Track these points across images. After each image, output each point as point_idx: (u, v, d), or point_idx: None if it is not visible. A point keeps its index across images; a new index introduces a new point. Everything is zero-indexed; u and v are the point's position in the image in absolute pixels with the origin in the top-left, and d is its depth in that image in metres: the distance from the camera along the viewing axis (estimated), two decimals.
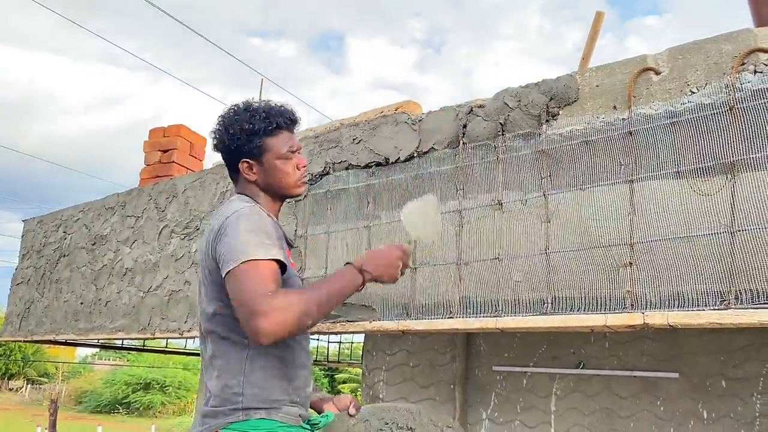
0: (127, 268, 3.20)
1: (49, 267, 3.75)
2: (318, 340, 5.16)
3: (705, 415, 2.63)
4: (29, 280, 3.93)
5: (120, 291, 3.18)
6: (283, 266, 1.45)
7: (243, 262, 1.41)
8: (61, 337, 3.50)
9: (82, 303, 3.40)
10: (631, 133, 1.72)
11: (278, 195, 1.69)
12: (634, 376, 2.84)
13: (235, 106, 1.69)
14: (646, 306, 1.58)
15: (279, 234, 1.55)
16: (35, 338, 3.74)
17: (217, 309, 1.51)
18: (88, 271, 3.44)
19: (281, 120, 1.68)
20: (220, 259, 1.46)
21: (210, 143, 1.70)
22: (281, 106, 1.70)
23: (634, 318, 1.55)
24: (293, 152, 1.67)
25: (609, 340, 2.96)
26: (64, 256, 3.67)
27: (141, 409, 25.15)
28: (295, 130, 1.70)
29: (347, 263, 1.56)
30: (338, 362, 6.81)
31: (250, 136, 1.65)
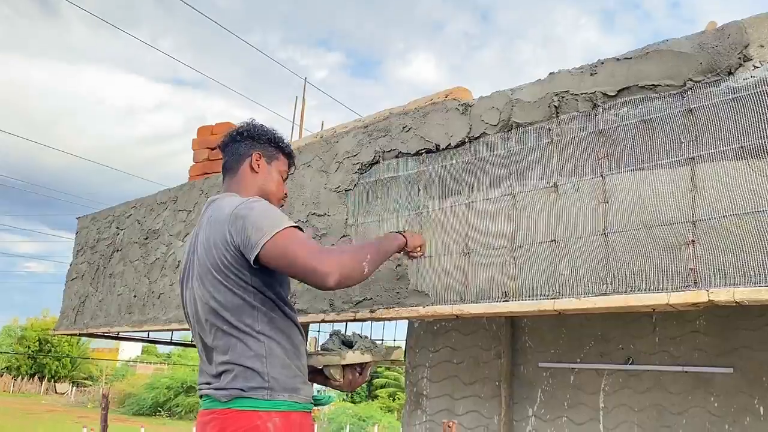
0: (179, 261, 3.27)
1: (103, 262, 3.86)
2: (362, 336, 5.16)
3: (762, 411, 2.57)
4: (83, 275, 4.05)
5: (173, 283, 3.25)
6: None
7: (278, 231, 1.66)
8: (115, 329, 3.59)
9: (135, 296, 3.49)
10: (690, 111, 1.69)
11: (265, 200, 1.89)
12: (686, 372, 2.79)
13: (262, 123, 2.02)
14: (711, 284, 1.55)
15: None
16: (89, 331, 3.85)
17: (229, 297, 1.70)
18: (141, 265, 3.53)
19: (290, 151, 2.05)
20: (248, 241, 1.66)
21: (232, 131, 1.98)
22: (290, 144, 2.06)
23: (699, 296, 1.52)
24: (285, 179, 2.03)
25: (659, 335, 2.91)
26: (117, 251, 3.77)
27: (182, 412, 25.56)
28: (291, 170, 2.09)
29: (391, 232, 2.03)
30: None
31: (272, 141, 1.98)
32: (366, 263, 1.74)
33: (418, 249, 2.13)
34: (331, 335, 2.06)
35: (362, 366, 1.97)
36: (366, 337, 2.05)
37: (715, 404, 2.68)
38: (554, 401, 3.16)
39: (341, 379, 1.92)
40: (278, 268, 1.68)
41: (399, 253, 2.06)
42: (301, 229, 1.73)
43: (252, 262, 1.68)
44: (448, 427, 1.52)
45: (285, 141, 2.02)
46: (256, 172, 1.93)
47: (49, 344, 35.72)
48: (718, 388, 2.66)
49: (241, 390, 1.66)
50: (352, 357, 1.91)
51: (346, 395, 30.34)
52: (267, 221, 1.68)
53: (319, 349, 2.04)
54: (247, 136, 1.95)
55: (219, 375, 1.73)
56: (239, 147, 1.95)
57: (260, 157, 1.93)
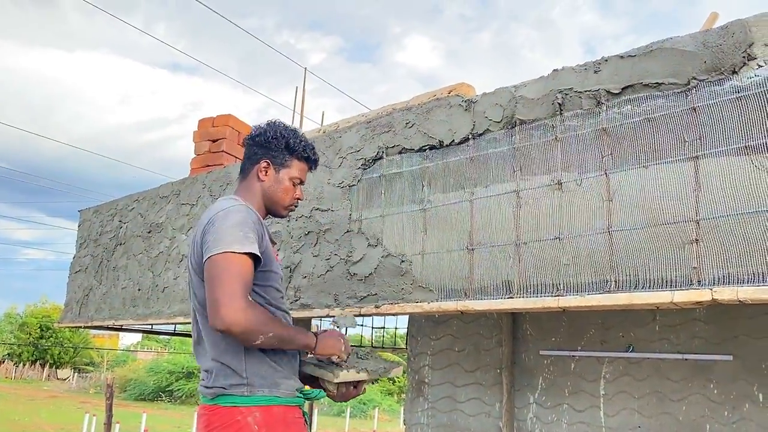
0: (183, 255, 3.28)
1: (106, 255, 3.87)
2: (362, 325, 5.22)
3: (761, 398, 2.60)
4: (87, 268, 4.06)
5: (177, 277, 3.26)
6: (257, 259, 1.71)
7: (222, 252, 1.66)
8: (120, 323, 3.62)
9: (139, 289, 3.51)
10: (695, 109, 1.70)
11: (269, 207, 1.98)
12: (686, 359, 2.82)
13: (287, 125, 2.01)
14: (714, 283, 1.57)
15: (261, 231, 1.79)
16: (95, 324, 3.87)
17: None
18: (144, 259, 3.54)
19: (311, 155, 2.02)
20: (204, 247, 1.71)
21: (252, 132, 1.99)
22: (314, 146, 2.04)
23: (702, 294, 1.54)
24: (300, 184, 2.01)
25: (659, 323, 2.94)
26: (121, 244, 3.78)
27: (183, 397, 25.77)
28: (311, 171, 2.05)
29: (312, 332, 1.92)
30: (379, 347, 6.87)
31: (285, 147, 1.96)
32: (264, 337, 1.67)
33: (333, 356, 1.91)
34: None
35: (357, 381, 1.99)
36: (369, 352, 2.04)
37: (715, 391, 2.71)
38: (555, 388, 3.19)
39: (335, 391, 1.96)
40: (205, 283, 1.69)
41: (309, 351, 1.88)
42: (258, 259, 1.70)
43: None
44: None
45: (302, 145, 1.97)
46: (262, 180, 1.96)
47: (50, 331, 35.86)
48: (718, 375, 2.69)
49: (223, 388, 1.74)
50: (345, 376, 1.92)
51: None
52: (225, 237, 1.67)
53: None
54: (259, 142, 1.97)
55: (206, 371, 1.80)
56: (251, 152, 1.98)
57: (268, 165, 1.96)
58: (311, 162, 2.03)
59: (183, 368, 26.63)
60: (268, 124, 2.00)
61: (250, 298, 1.69)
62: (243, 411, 1.70)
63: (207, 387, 1.77)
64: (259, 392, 1.73)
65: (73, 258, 4.24)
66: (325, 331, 1.94)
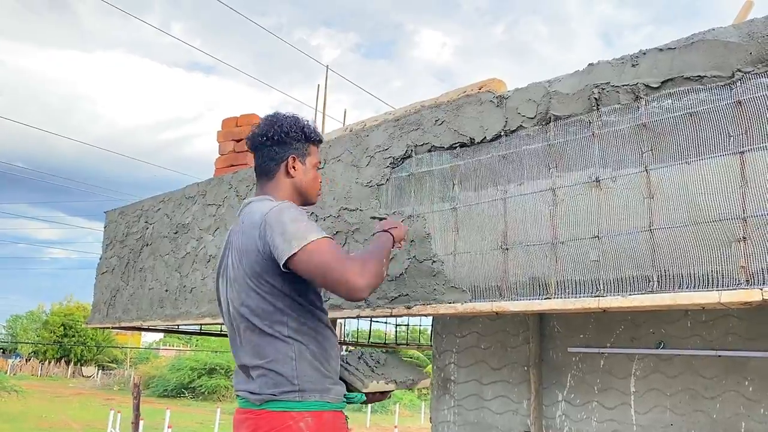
0: (210, 255, 3.29)
1: (133, 256, 3.89)
2: (386, 323, 5.21)
3: None
4: (113, 269, 4.09)
5: (204, 278, 3.27)
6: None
7: (306, 244, 1.67)
8: (147, 324, 3.64)
9: (167, 290, 3.52)
10: (740, 103, 1.65)
11: (304, 198, 1.99)
12: (719, 356, 2.76)
13: (287, 114, 2.00)
14: (764, 282, 1.52)
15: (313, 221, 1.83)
16: (123, 325, 3.90)
17: (260, 303, 1.74)
18: (171, 259, 3.55)
19: (320, 138, 2.06)
20: (275, 250, 1.69)
21: (260, 132, 1.97)
22: (316, 126, 2.06)
23: (752, 294, 1.49)
24: (320, 167, 2.09)
25: (690, 319, 2.89)
26: (147, 245, 3.80)
27: (206, 393, 26.07)
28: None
29: (375, 233, 2.08)
30: (404, 344, 6.85)
31: (302, 138, 1.98)
32: (385, 268, 1.80)
33: (402, 240, 2.14)
34: (359, 356, 2.09)
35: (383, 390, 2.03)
36: (395, 358, 2.08)
37: (750, 388, 2.65)
38: (584, 386, 3.15)
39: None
40: (309, 279, 1.71)
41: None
42: (330, 237, 1.74)
43: (282, 268, 1.71)
44: None
45: (311, 128, 2.01)
46: (293, 176, 1.96)
47: (72, 329, 36.43)
48: (753, 372, 2.63)
49: (273, 395, 1.73)
50: (374, 387, 1.96)
51: None
52: (297, 232, 1.69)
53: (344, 359, 2.06)
54: (278, 140, 1.95)
55: (252, 378, 1.78)
56: (272, 152, 1.96)
57: (295, 160, 1.96)
58: (320, 143, 2.09)
59: (205, 365, 26.92)
60: (273, 120, 1.98)
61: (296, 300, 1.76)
62: (294, 416, 1.70)
63: (253, 393, 1.76)
64: (311, 397, 1.73)
65: (100, 259, 4.27)
66: (382, 220, 2.13)
